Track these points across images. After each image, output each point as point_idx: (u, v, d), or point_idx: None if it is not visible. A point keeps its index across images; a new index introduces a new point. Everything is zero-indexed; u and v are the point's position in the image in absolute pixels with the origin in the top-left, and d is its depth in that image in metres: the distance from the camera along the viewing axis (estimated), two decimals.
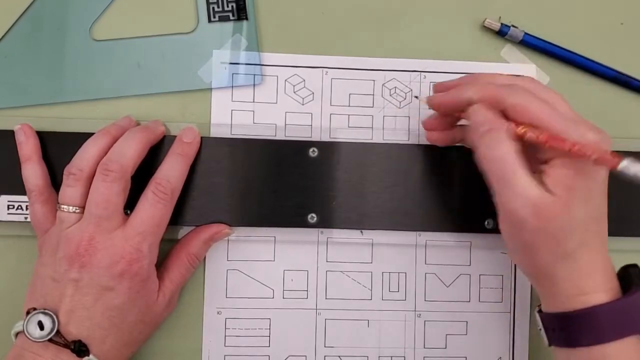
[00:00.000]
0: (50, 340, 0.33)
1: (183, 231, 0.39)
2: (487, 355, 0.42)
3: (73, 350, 0.33)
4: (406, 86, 0.41)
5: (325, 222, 0.39)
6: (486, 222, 0.40)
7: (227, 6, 0.40)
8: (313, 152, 0.39)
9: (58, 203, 0.35)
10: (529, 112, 0.32)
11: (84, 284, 0.34)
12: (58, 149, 0.38)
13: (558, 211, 0.32)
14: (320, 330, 0.41)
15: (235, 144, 0.39)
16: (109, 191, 0.34)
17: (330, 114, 0.41)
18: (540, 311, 0.36)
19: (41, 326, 0.33)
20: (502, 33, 0.41)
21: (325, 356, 0.41)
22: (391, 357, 0.41)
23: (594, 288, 0.33)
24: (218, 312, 0.40)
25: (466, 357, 0.41)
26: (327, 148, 0.39)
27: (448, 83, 0.37)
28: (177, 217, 0.38)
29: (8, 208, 0.38)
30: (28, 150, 0.37)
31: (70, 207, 0.35)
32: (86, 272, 0.34)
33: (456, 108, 0.35)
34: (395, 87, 0.41)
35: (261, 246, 0.41)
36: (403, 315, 0.41)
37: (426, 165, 0.40)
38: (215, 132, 0.40)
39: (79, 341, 0.33)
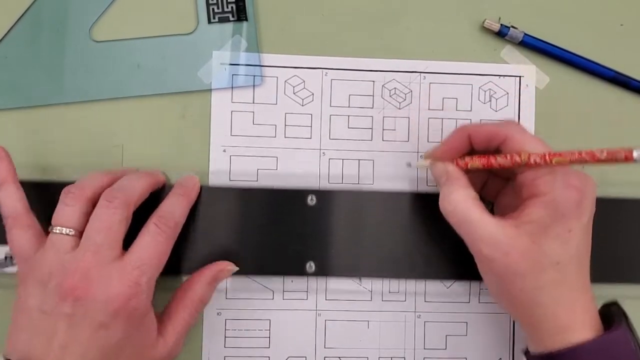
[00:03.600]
0: None
1: (182, 280, 0.39)
2: (487, 355, 0.42)
3: None
4: (406, 87, 0.41)
5: (324, 271, 0.40)
6: None
7: (227, 7, 0.40)
8: (311, 200, 0.39)
9: (51, 225, 0.33)
10: (520, 140, 0.33)
11: (78, 319, 0.32)
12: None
13: (525, 247, 0.32)
14: (320, 331, 0.41)
15: (234, 192, 0.39)
16: (112, 218, 0.33)
17: (330, 115, 0.41)
18: (527, 352, 0.36)
19: None
20: (502, 34, 0.41)
21: (325, 357, 0.41)
22: (391, 358, 0.41)
23: (573, 326, 0.33)
24: (218, 313, 0.40)
25: (466, 358, 0.41)
26: (326, 196, 0.39)
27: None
28: (175, 267, 0.38)
29: None
30: (3, 172, 0.35)
31: (65, 229, 0.33)
32: (80, 306, 0.32)
33: (460, 151, 0.36)
34: (395, 88, 0.41)
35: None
36: (403, 316, 0.41)
37: (424, 213, 0.40)
38: (213, 180, 0.40)
39: None
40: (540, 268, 0.32)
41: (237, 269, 0.38)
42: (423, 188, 0.41)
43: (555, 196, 0.32)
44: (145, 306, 0.33)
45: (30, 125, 0.38)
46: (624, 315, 0.34)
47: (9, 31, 0.39)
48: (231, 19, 0.40)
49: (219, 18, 0.40)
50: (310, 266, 0.39)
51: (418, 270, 0.40)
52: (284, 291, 0.41)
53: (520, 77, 0.42)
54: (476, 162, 0.35)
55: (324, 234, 0.39)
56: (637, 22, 0.42)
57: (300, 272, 0.39)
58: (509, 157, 0.33)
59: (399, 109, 0.41)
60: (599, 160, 0.30)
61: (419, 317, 0.41)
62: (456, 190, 0.34)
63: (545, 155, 0.32)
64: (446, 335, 0.41)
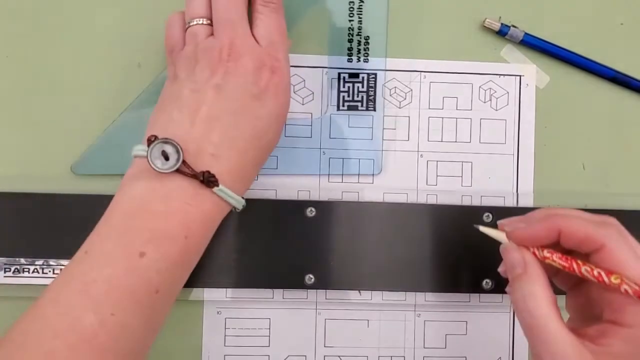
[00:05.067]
0: (177, 170, 0.31)
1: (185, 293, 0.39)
2: (487, 355, 0.42)
3: (203, 182, 0.31)
4: (406, 86, 0.41)
5: (323, 283, 0.39)
6: (484, 282, 0.40)
7: (357, 96, 0.39)
8: (311, 212, 0.39)
9: (187, 23, 0.35)
10: (619, 256, 0.29)
11: (230, 88, 0.32)
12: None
13: None
14: (320, 330, 0.41)
15: None
16: None
17: (330, 114, 0.41)
18: None
19: (165, 156, 0.31)
20: (502, 33, 0.41)
21: (325, 356, 0.41)
22: (391, 357, 0.41)
23: None
24: (218, 312, 0.40)
25: (466, 357, 0.42)
26: (325, 208, 0.39)
27: (519, 218, 0.33)
28: None
29: (4, 271, 0.38)
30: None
31: (199, 20, 0.34)
32: (231, 77, 0.32)
33: (542, 241, 0.31)
34: (395, 87, 0.41)
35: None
36: (403, 315, 0.41)
37: (425, 225, 0.40)
38: None
39: (206, 172, 0.31)
40: None
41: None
42: (423, 199, 0.41)
43: None
44: (287, 78, 0.34)
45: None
46: None
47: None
48: (360, 108, 0.40)
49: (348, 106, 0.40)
50: (310, 278, 0.39)
51: (419, 283, 0.40)
52: (284, 290, 0.41)
53: (520, 76, 0.42)
54: (557, 262, 0.31)
55: (323, 246, 0.39)
56: (637, 21, 0.42)
57: (300, 284, 0.39)
58: (596, 273, 0.29)
59: (399, 107, 0.41)
60: None
61: (418, 316, 0.41)
62: (538, 292, 0.30)
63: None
64: (446, 335, 0.41)
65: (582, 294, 0.32)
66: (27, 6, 0.39)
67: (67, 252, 0.38)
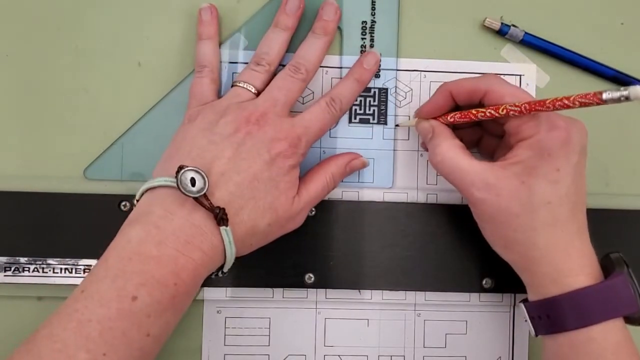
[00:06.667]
0: (196, 199, 0.32)
1: None
2: (487, 354, 0.42)
3: (216, 216, 0.32)
4: (406, 85, 0.41)
5: (323, 282, 0.40)
6: (484, 282, 0.40)
7: (369, 110, 0.40)
8: (311, 212, 0.39)
9: (236, 81, 0.37)
10: (500, 92, 0.34)
11: (245, 149, 0.34)
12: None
13: (514, 187, 0.33)
14: (320, 329, 0.41)
15: None
16: (292, 84, 0.37)
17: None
18: (525, 300, 0.36)
19: (193, 183, 0.32)
20: (502, 32, 0.41)
21: (324, 355, 0.41)
22: (391, 356, 0.41)
23: (573, 270, 0.33)
24: (218, 311, 0.40)
25: (466, 357, 0.42)
26: (325, 207, 0.40)
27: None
28: None
29: (4, 270, 0.38)
30: (212, 30, 0.39)
31: (250, 86, 0.37)
32: (250, 139, 0.34)
33: (444, 108, 0.37)
34: (396, 87, 0.41)
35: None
36: (403, 315, 0.41)
37: (425, 224, 0.40)
38: None
39: (223, 209, 0.32)
40: (532, 208, 0.33)
41: (368, 164, 0.40)
42: (423, 198, 0.41)
43: (541, 137, 0.33)
44: (297, 162, 0.36)
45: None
46: (625, 264, 0.34)
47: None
48: (371, 121, 0.41)
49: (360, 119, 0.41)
50: (310, 278, 0.39)
51: (419, 283, 0.40)
52: (284, 290, 0.41)
53: (520, 75, 0.42)
54: (458, 118, 0.36)
55: (323, 245, 0.40)
56: (637, 21, 0.42)
57: (300, 283, 0.39)
58: (487, 112, 0.34)
59: (400, 107, 0.41)
60: (570, 107, 0.30)
61: (418, 315, 0.41)
62: (442, 142, 0.36)
63: (521, 107, 0.33)
64: (446, 334, 0.41)
65: (502, 149, 0.38)
66: (27, 6, 0.39)
67: (67, 251, 0.38)
